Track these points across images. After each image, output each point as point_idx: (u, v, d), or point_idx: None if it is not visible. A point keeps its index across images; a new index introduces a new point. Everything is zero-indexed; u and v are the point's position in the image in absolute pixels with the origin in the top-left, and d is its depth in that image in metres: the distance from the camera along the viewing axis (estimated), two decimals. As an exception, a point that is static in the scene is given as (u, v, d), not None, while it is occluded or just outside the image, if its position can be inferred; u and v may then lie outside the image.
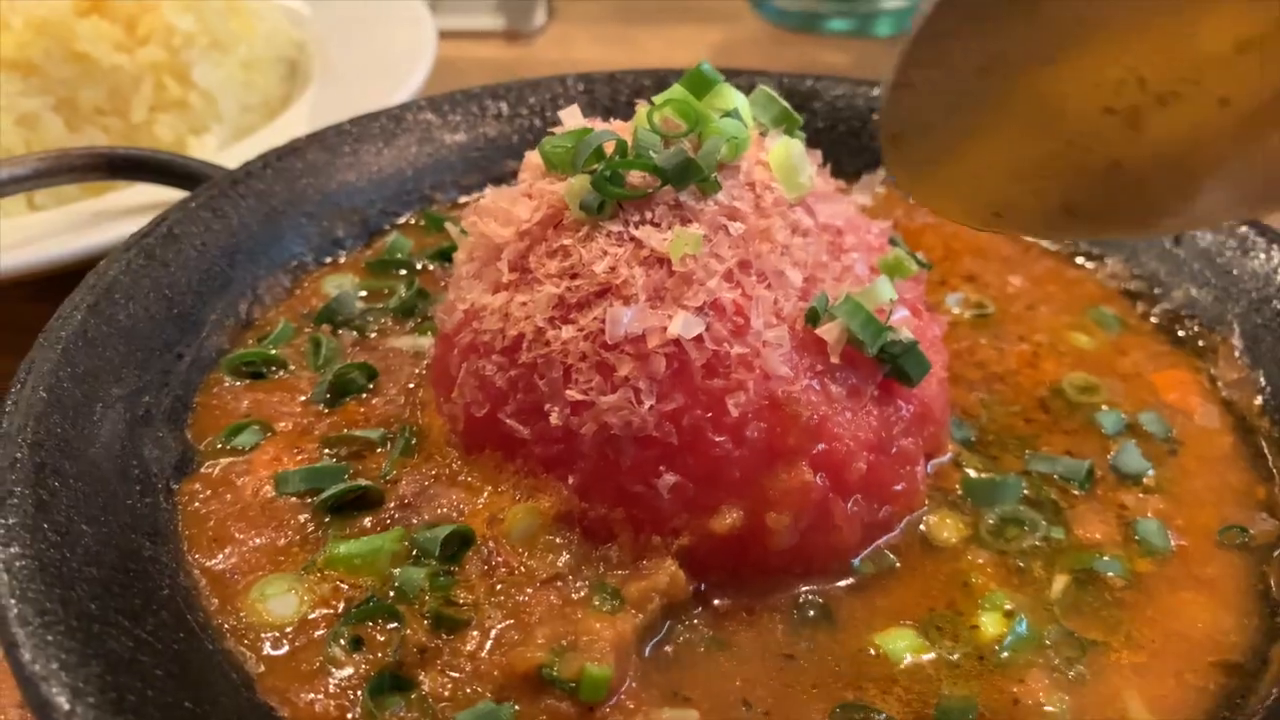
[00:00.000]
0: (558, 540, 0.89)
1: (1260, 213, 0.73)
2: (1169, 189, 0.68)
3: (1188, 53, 0.59)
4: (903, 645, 0.85)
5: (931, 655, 0.85)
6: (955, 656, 0.85)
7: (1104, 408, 1.08)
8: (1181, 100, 0.61)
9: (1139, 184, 0.68)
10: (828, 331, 0.90)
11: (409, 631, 0.82)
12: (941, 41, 0.60)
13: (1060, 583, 0.91)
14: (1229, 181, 0.67)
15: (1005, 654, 0.85)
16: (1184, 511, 0.98)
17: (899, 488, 0.94)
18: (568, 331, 0.89)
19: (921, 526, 0.95)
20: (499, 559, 0.88)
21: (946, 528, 0.95)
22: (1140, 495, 0.99)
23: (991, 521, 0.95)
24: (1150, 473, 1.01)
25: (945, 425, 1.02)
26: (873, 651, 0.85)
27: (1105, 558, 0.92)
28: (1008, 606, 0.88)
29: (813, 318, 0.90)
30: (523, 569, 0.87)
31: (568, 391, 0.87)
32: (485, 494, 0.93)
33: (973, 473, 1.00)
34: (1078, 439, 1.05)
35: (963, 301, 1.22)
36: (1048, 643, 0.86)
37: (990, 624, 0.87)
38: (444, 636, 0.83)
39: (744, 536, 0.88)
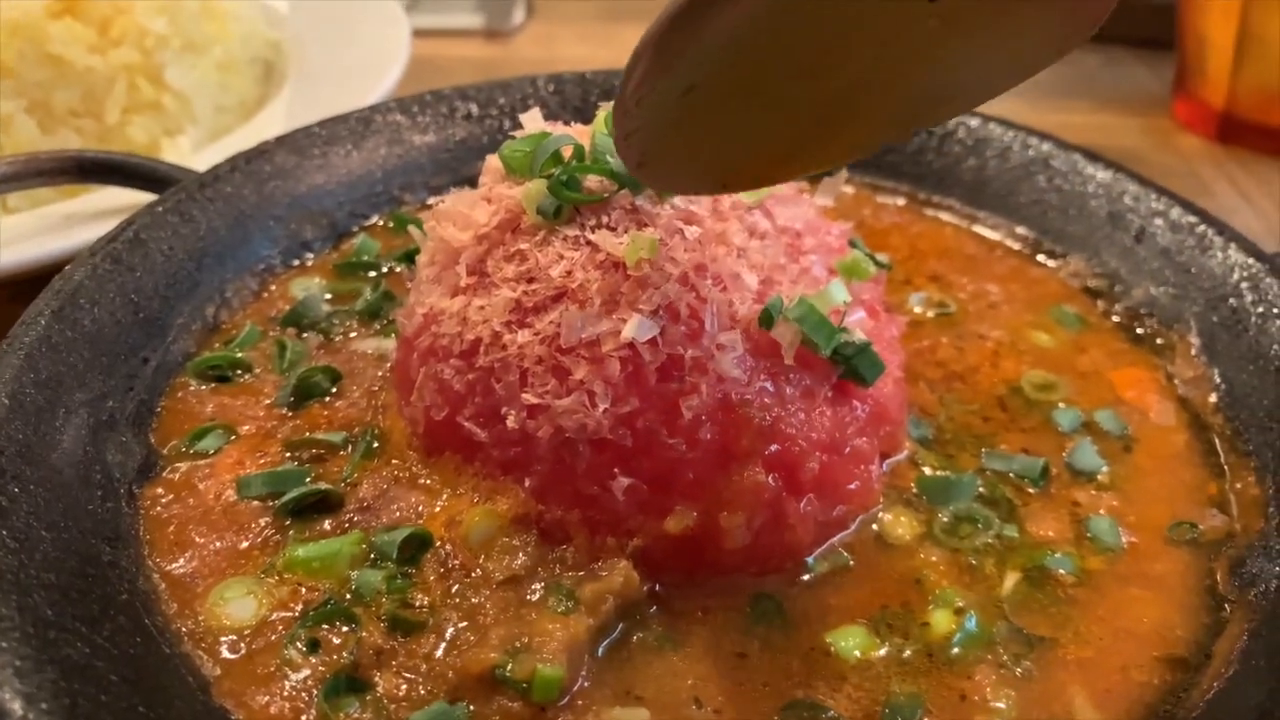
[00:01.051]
0: (515, 543, 0.90)
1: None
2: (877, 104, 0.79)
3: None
4: (854, 643, 0.87)
5: (882, 653, 0.86)
6: (905, 654, 0.86)
7: (1061, 405, 1.10)
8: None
9: (849, 111, 0.79)
10: (781, 334, 0.91)
11: (365, 634, 0.83)
12: (643, 86, 0.69)
13: (1011, 580, 0.92)
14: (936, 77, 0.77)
15: (955, 650, 0.86)
16: (1136, 509, 0.99)
17: (853, 486, 0.95)
18: (524, 335, 0.90)
19: (875, 525, 0.96)
20: (456, 562, 0.89)
21: (901, 525, 0.96)
22: (1094, 492, 1.00)
23: (945, 519, 0.96)
24: (1104, 470, 1.03)
25: (902, 424, 1.03)
26: (825, 649, 0.86)
27: (1057, 555, 0.94)
28: (958, 604, 0.89)
29: (766, 320, 0.91)
30: (479, 571, 0.88)
31: (524, 395, 0.88)
32: (444, 497, 0.94)
33: (929, 470, 1.01)
34: (1034, 437, 1.07)
35: (925, 301, 1.23)
36: (997, 640, 0.87)
37: (941, 621, 0.88)
38: (400, 638, 0.83)
39: (698, 536, 0.89)
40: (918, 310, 1.22)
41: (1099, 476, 1.02)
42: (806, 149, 0.84)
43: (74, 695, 0.72)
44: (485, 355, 0.91)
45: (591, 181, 0.94)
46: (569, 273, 0.90)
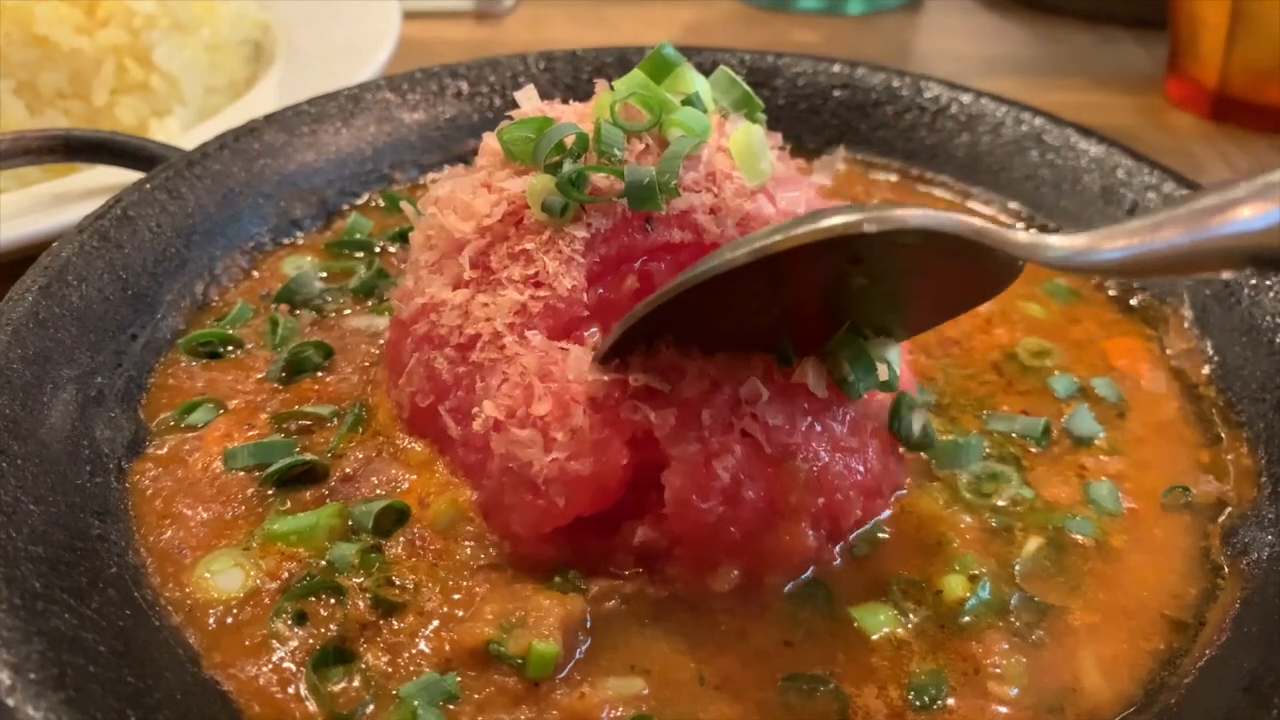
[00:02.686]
0: (484, 535, 0.89)
1: None
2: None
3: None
4: (880, 619, 0.86)
5: (901, 625, 0.86)
6: (920, 622, 0.86)
7: (1056, 372, 1.10)
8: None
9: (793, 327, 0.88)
10: (802, 373, 0.87)
11: (352, 606, 0.83)
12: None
13: (1034, 544, 0.92)
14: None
15: (966, 619, 0.86)
16: (1134, 474, 1.00)
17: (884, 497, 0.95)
18: (523, 343, 0.89)
19: (903, 494, 0.96)
20: (425, 542, 0.88)
21: (927, 494, 0.96)
22: (1101, 457, 1.01)
23: (966, 480, 0.97)
24: (1101, 435, 1.03)
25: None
26: (847, 625, 0.85)
27: (1077, 519, 0.94)
28: (974, 571, 0.89)
29: (784, 359, 0.87)
30: (447, 555, 0.88)
31: (485, 403, 0.87)
32: (421, 475, 0.93)
33: (938, 435, 1.01)
34: (1031, 400, 1.07)
35: None
36: (1009, 608, 0.87)
37: (955, 587, 0.88)
38: (383, 617, 0.83)
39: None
40: None
41: (1096, 441, 1.03)
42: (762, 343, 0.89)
43: (62, 665, 0.71)
44: (481, 352, 0.90)
45: (598, 179, 0.92)
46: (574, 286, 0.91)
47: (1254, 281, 1.10)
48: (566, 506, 0.84)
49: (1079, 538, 0.93)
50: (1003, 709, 0.80)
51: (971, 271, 0.79)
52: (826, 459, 0.87)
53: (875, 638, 0.85)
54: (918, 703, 0.80)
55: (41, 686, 0.69)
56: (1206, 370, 1.09)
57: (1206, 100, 1.93)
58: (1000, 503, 0.95)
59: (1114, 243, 0.70)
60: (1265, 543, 0.90)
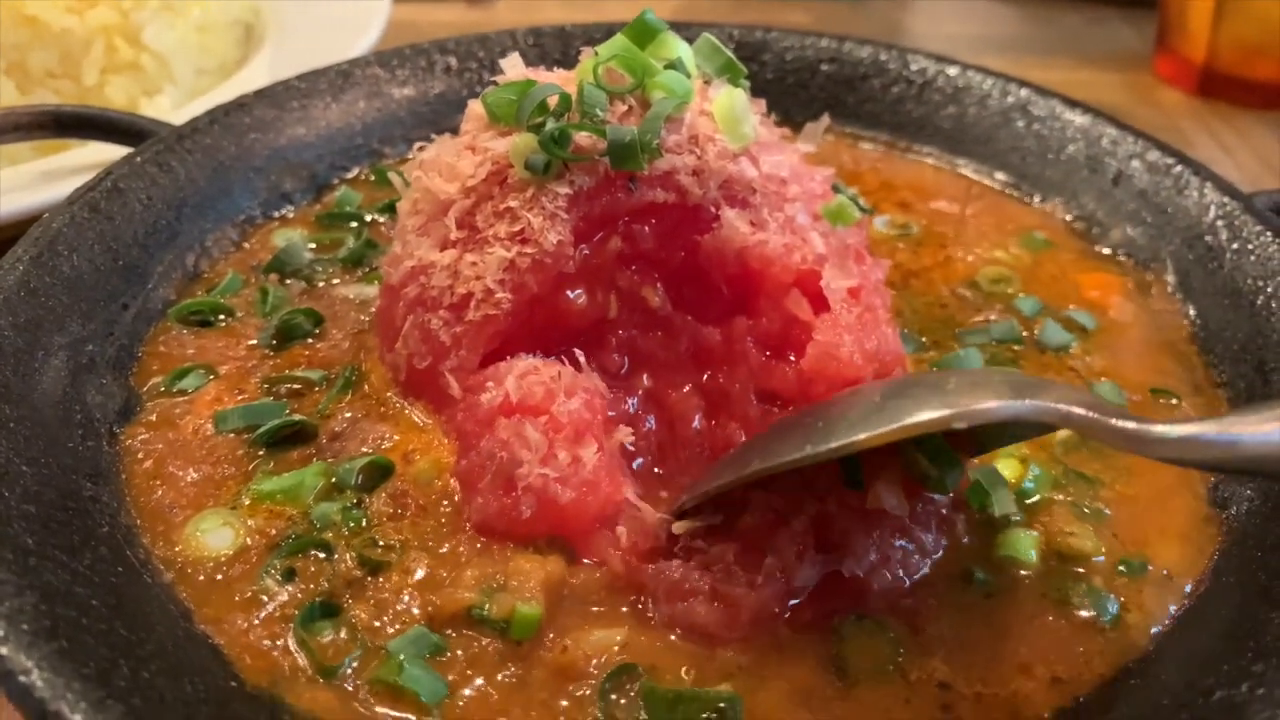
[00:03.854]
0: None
1: None
2: None
3: None
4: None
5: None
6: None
7: (1020, 296, 1.15)
8: None
9: None
10: (876, 498, 0.84)
11: (339, 563, 0.84)
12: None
13: (1064, 432, 0.95)
14: None
15: (1031, 499, 0.92)
16: (1121, 377, 1.05)
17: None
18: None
19: None
20: (407, 500, 0.89)
21: None
22: (1088, 359, 1.07)
23: None
24: (1075, 344, 1.08)
25: (902, 356, 1.03)
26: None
27: None
28: (1022, 454, 0.95)
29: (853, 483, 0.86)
30: (430, 514, 0.89)
31: (510, 379, 0.88)
32: (408, 434, 0.95)
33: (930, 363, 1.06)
34: (999, 321, 1.12)
35: (889, 223, 1.26)
36: (1062, 482, 0.94)
37: (1009, 470, 0.93)
38: (369, 576, 0.84)
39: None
40: (880, 229, 1.24)
41: (1073, 349, 1.08)
42: None
43: (55, 618, 0.72)
44: (476, 310, 0.91)
45: (581, 138, 0.93)
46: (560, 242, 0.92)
47: (1235, 246, 1.12)
48: (530, 520, 0.85)
49: None
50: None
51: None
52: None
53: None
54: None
55: (35, 637, 0.70)
56: (1187, 332, 1.11)
57: (1194, 76, 1.94)
58: None
59: (1238, 429, 0.64)
60: (1244, 497, 0.91)
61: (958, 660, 0.79)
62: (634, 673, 0.78)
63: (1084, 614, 0.83)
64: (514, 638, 0.80)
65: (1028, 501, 0.92)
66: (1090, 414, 0.66)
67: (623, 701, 0.76)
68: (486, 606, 0.81)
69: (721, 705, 0.75)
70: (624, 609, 0.83)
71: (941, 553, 0.87)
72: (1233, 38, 1.86)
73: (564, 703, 0.76)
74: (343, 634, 0.80)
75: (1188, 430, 0.64)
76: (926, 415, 0.70)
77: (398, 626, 0.81)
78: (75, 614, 0.74)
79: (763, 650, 0.80)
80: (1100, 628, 0.82)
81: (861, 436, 0.72)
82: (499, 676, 0.78)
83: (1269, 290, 1.06)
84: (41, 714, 0.66)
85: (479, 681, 0.78)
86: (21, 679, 0.67)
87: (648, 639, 0.81)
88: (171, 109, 1.62)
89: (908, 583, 0.84)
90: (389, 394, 0.99)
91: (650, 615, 0.82)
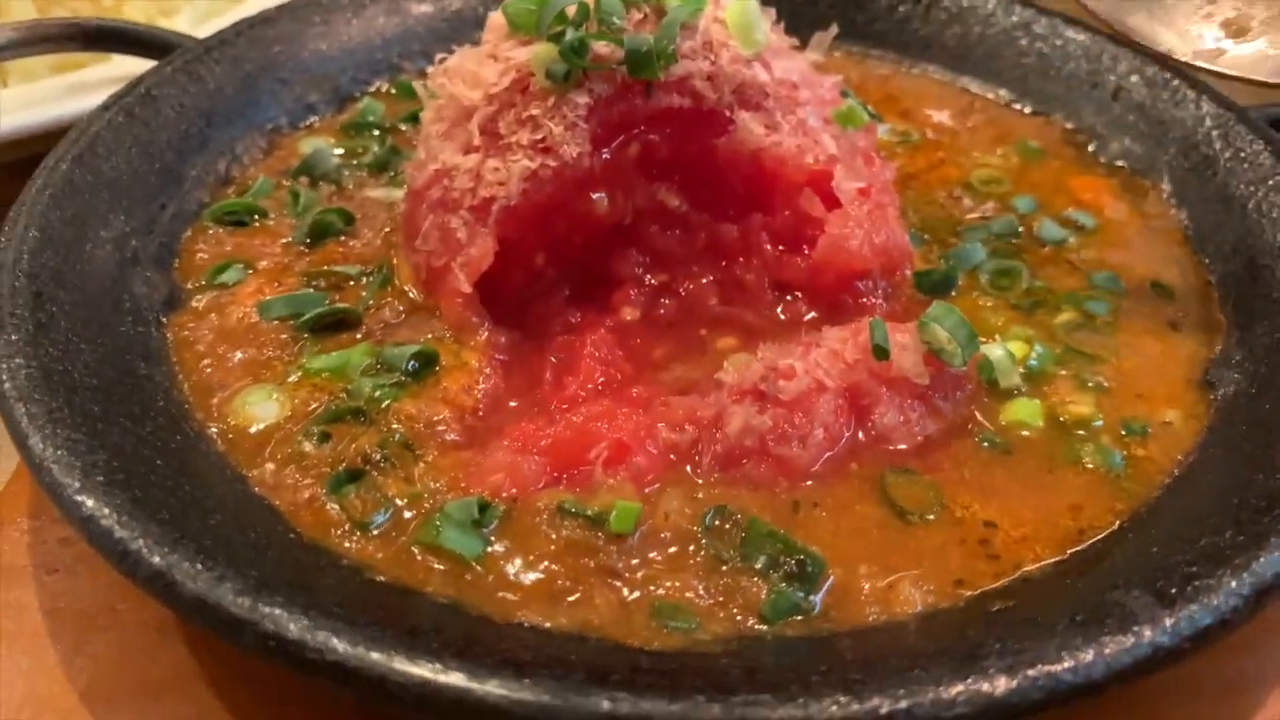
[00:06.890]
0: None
1: None
2: None
3: None
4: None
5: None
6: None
7: (1016, 196, 1.21)
8: None
9: None
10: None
11: (386, 431, 0.89)
12: None
13: (1066, 315, 1.06)
14: None
15: (1034, 369, 0.99)
16: (1119, 267, 1.13)
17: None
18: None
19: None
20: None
21: (962, 296, 1.07)
22: (1085, 253, 1.13)
23: (985, 279, 1.09)
24: (1072, 239, 1.15)
25: (909, 251, 1.09)
26: None
27: (1092, 301, 1.07)
28: (1027, 334, 1.03)
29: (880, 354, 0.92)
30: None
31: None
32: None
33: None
34: (995, 219, 1.18)
35: (890, 130, 1.32)
36: (1066, 359, 1.01)
37: (1018, 348, 1.00)
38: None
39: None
40: (882, 136, 1.28)
41: (1070, 243, 1.14)
42: None
43: (127, 473, 0.77)
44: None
45: (600, 47, 0.97)
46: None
47: (1229, 154, 1.17)
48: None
49: (1099, 315, 1.06)
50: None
51: None
52: None
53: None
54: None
55: (110, 489, 0.75)
56: (1180, 235, 1.16)
57: None
58: (1022, 289, 1.08)
59: None
60: (1231, 380, 0.97)
61: (992, 504, 0.88)
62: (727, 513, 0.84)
63: (1093, 466, 0.91)
64: (614, 530, 0.82)
65: (1033, 374, 0.99)
66: None
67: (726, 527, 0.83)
68: (579, 503, 0.83)
69: (803, 558, 0.81)
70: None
71: (956, 418, 0.94)
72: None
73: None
74: (400, 497, 0.84)
75: None
76: None
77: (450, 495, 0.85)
78: (144, 470, 0.79)
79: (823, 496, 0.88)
80: (1114, 476, 0.91)
81: None
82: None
83: (1260, 194, 1.11)
84: (123, 554, 0.71)
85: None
86: (104, 522, 0.72)
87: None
88: (190, 27, 1.64)
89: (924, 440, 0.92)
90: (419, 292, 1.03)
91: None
